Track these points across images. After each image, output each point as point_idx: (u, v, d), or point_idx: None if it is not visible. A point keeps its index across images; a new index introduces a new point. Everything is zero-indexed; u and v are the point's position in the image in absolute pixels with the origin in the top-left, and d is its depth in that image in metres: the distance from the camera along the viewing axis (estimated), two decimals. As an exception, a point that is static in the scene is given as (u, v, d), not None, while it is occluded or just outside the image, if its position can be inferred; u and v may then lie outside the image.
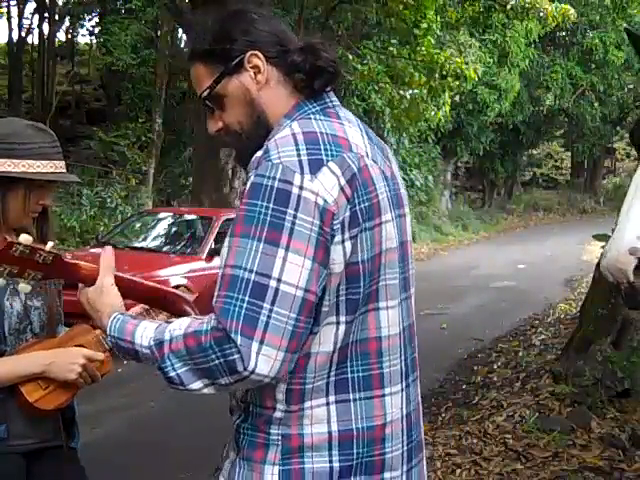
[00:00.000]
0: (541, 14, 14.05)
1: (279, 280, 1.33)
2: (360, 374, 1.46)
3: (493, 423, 4.70)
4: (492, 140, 24.72)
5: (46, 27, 20.90)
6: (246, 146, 1.53)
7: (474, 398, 5.59)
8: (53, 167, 1.98)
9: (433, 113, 15.06)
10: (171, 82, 19.04)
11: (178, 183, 16.88)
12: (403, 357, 1.53)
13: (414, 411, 1.58)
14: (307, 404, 1.44)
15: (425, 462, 1.65)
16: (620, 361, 4.80)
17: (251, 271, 1.33)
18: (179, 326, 1.39)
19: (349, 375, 1.45)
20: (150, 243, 9.82)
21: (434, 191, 22.95)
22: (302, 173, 1.36)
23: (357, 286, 1.43)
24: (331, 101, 1.54)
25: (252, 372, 1.32)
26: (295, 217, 1.34)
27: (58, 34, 22.81)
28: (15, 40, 20.80)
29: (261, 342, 1.32)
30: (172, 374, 1.38)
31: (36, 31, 23.65)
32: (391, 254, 1.48)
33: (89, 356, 1.99)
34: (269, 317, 1.32)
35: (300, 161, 1.38)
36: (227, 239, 1.42)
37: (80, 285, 1.62)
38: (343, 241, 1.39)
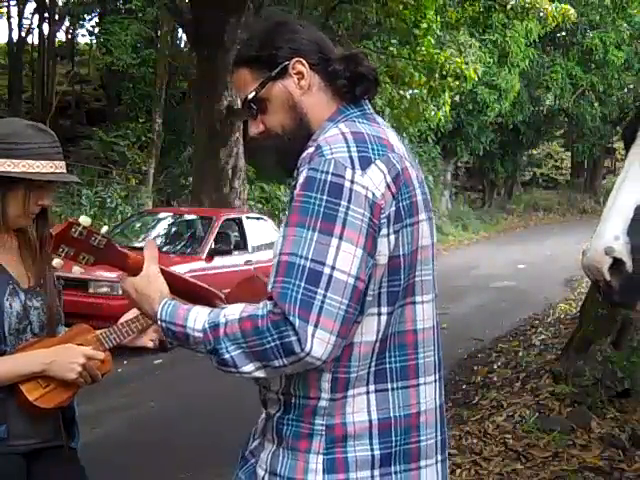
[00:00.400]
0: (541, 14, 14.05)
1: (333, 267, 1.41)
2: (398, 364, 1.55)
3: (493, 423, 4.70)
4: (492, 140, 24.72)
5: (46, 27, 20.91)
6: (287, 148, 1.62)
7: (474, 398, 5.59)
8: (53, 167, 1.97)
9: (433, 113, 15.07)
10: (171, 82, 19.05)
11: (178, 183, 16.86)
12: (436, 350, 1.64)
13: (444, 404, 1.68)
14: (350, 392, 1.51)
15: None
16: (620, 361, 4.80)
17: (307, 258, 1.41)
18: (234, 311, 1.46)
19: (387, 365, 1.54)
20: (150, 243, 9.80)
21: (434, 191, 22.94)
22: (353, 168, 1.45)
23: (398, 278, 1.52)
24: (368, 108, 1.65)
25: (308, 354, 1.39)
26: (348, 208, 1.43)
27: (58, 34, 22.82)
28: (15, 40, 20.78)
29: (316, 325, 1.39)
30: (226, 356, 1.44)
31: (36, 31, 23.67)
32: (426, 251, 1.58)
33: (89, 355, 1.99)
34: (323, 302, 1.40)
35: (351, 157, 1.47)
36: (282, 229, 1.49)
37: (120, 274, 1.67)
38: (388, 234, 1.48)
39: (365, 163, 1.47)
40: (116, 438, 5.14)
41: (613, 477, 3.91)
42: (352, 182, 1.44)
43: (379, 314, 1.51)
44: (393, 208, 1.48)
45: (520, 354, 6.82)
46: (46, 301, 2.07)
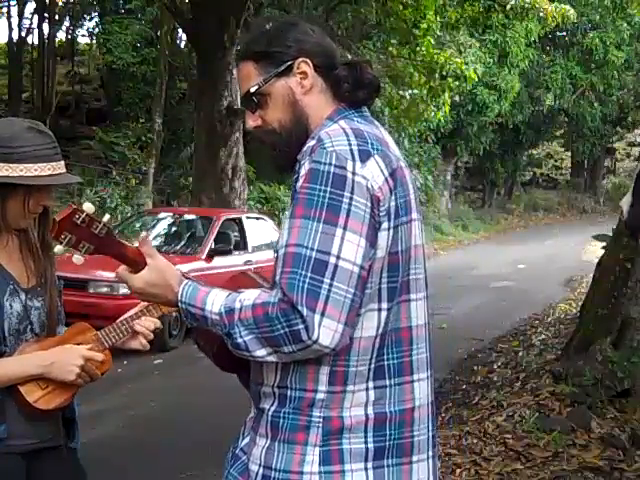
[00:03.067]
0: (541, 14, 14.04)
1: (338, 257, 1.45)
2: (395, 361, 1.58)
3: (493, 423, 4.70)
4: (492, 140, 24.72)
5: (46, 27, 20.91)
6: (281, 144, 1.67)
7: (474, 398, 5.59)
8: (51, 169, 1.96)
9: (433, 113, 15.06)
10: (171, 82, 19.04)
11: (178, 183, 16.87)
12: (428, 347, 1.66)
13: (435, 401, 1.70)
14: (349, 387, 1.54)
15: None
16: (620, 361, 4.79)
17: (312, 249, 1.45)
18: (249, 296, 1.51)
19: (385, 362, 1.57)
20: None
21: (434, 191, 22.96)
22: (354, 160, 1.50)
23: (396, 274, 1.56)
24: (366, 112, 1.69)
25: (315, 342, 1.43)
26: (351, 199, 1.47)
27: (58, 34, 22.82)
28: (15, 40, 20.78)
29: (322, 314, 1.43)
30: (239, 340, 1.49)
31: (36, 31, 23.61)
32: (419, 250, 1.63)
33: (88, 356, 1.98)
34: (329, 291, 1.44)
35: (351, 150, 1.51)
36: (287, 221, 1.52)
37: (122, 273, 1.66)
38: (388, 228, 1.52)
39: (365, 156, 1.51)
40: (116, 438, 5.15)
41: (613, 477, 3.90)
42: (354, 173, 1.48)
43: (379, 309, 1.54)
44: (393, 203, 1.52)
45: (520, 354, 6.82)
46: (47, 301, 2.07)
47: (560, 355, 5.76)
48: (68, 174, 2.07)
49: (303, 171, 1.51)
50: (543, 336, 7.76)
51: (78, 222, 1.61)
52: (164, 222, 10.42)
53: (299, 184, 1.51)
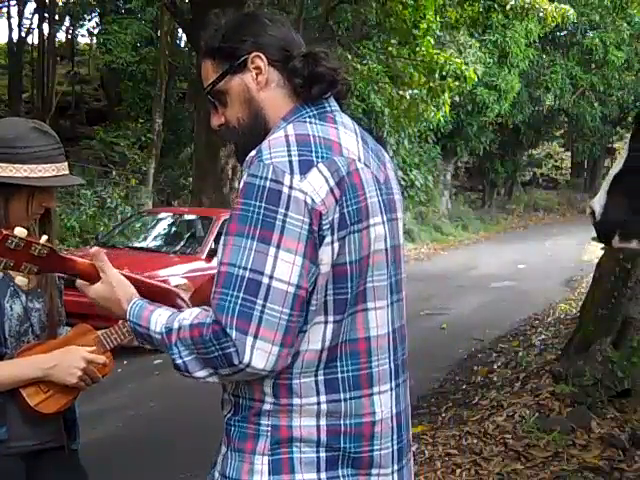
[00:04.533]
0: (541, 14, 14.04)
1: (271, 277, 1.39)
2: (350, 374, 1.50)
3: (493, 423, 4.70)
4: (492, 140, 24.71)
5: (46, 27, 20.88)
6: (243, 142, 1.60)
7: (474, 398, 5.59)
8: (55, 170, 1.96)
9: (432, 114, 15.06)
10: (171, 82, 19.04)
11: (178, 183, 16.87)
12: (392, 357, 1.57)
13: (404, 411, 1.61)
14: (296, 400, 1.48)
15: (412, 462, 1.68)
16: (620, 361, 4.80)
17: (245, 268, 1.39)
18: (188, 316, 1.46)
19: (339, 375, 1.49)
20: (150, 243, 9.82)
21: (434, 191, 22.95)
22: (292, 173, 1.42)
23: (345, 286, 1.47)
24: (330, 106, 1.60)
25: (247, 365, 1.38)
26: (286, 216, 1.40)
27: (58, 34, 22.81)
28: (15, 40, 20.76)
29: (255, 336, 1.38)
30: (179, 361, 1.45)
31: (36, 31, 23.60)
32: (379, 256, 1.52)
33: (90, 359, 1.98)
34: (262, 312, 1.38)
35: (290, 162, 1.43)
36: (222, 237, 1.47)
37: (80, 283, 1.65)
38: (332, 242, 1.44)
39: (305, 167, 1.43)
40: (116, 438, 5.15)
41: (613, 477, 3.90)
42: (290, 188, 1.41)
43: (326, 322, 1.47)
44: (337, 215, 1.43)
45: (520, 354, 6.81)
46: (47, 302, 2.06)
47: (560, 355, 5.76)
48: (72, 176, 2.07)
49: (240, 184, 1.46)
50: (543, 336, 7.76)
51: (12, 247, 1.58)
52: (164, 222, 10.42)
53: (235, 199, 1.46)
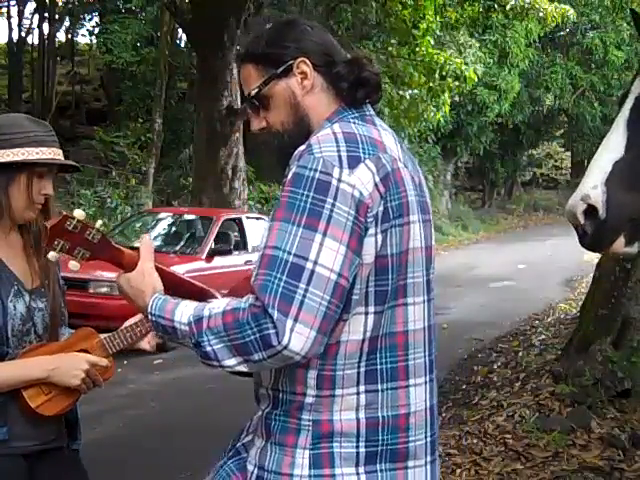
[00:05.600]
0: (541, 14, 14.04)
1: (315, 263, 1.42)
2: (388, 365, 1.55)
3: (493, 423, 4.70)
4: (492, 140, 24.72)
5: (46, 27, 20.92)
6: (286, 145, 1.63)
7: (474, 398, 5.59)
8: (52, 154, 2.00)
9: (432, 114, 15.06)
10: (171, 82, 19.04)
11: (178, 183, 16.86)
12: (427, 352, 1.63)
13: (435, 405, 1.66)
14: (338, 391, 1.52)
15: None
16: (620, 361, 4.79)
17: (289, 253, 1.43)
18: (218, 305, 1.48)
19: (378, 367, 1.54)
20: (150, 243, 9.81)
21: (434, 191, 22.94)
22: (341, 167, 1.47)
23: (385, 278, 1.52)
24: (369, 111, 1.66)
25: (285, 347, 1.40)
26: (333, 206, 1.44)
27: (58, 34, 22.82)
28: (15, 40, 20.78)
29: (295, 319, 1.40)
30: (208, 349, 1.46)
31: (36, 31, 23.63)
32: (417, 253, 1.58)
33: (93, 362, 1.99)
34: (304, 296, 1.41)
35: (340, 156, 1.48)
36: (268, 223, 1.51)
37: (117, 271, 1.67)
38: (375, 234, 1.48)
39: (354, 162, 1.48)
40: (116, 438, 5.14)
41: (613, 477, 3.90)
42: (339, 180, 1.46)
43: (366, 313, 1.51)
44: (381, 208, 1.49)
45: (520, 354, 6.81)
46: (50, 302, 2.07)
47: (560, 355, 5.76)
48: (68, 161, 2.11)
49: (289, 175, 1.49)
50: (543, 336, 7.75)
51: (70, 228, 1.60)
52: (164, 222, 10.42)
53: (283, 188, 1.50)
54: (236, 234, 9.74)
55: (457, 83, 14.43)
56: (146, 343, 2.09)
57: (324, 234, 1.43)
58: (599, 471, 3.94)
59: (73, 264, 1.65)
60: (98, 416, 5.36)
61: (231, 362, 1.46)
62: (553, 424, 4.49)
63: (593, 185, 1.87)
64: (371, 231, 1.48)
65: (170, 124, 18.08)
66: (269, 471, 1.53)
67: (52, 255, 1.62)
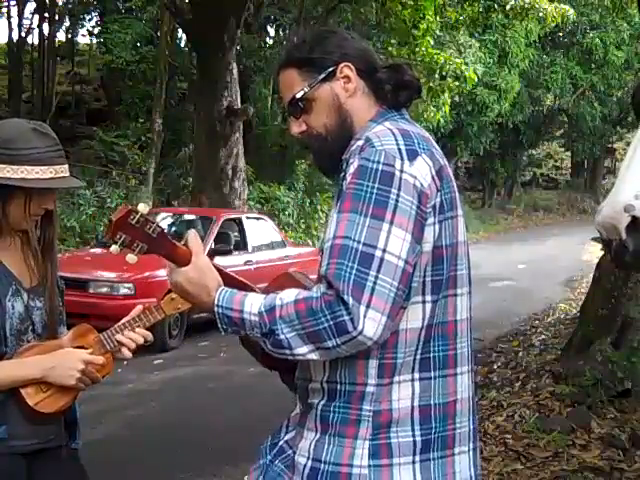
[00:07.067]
0: (541, 14, 14.04)
1: (384, 251, 1.48)
2: (440, 353, 1.61)
3: (493, 423, 4.70)
4: (492, 140, 24.71)
5: (46, 27, 20.88)
6: (328, 148, 1.70)
7: (474, 398, 5.59)
8: (53, 172, 1.95)
9: (432, 114, 15.06)
10: (171, 82, 19.03)
11: (178, 183, 16.85)
12: (469, 342, 1.69)
13: (475, 395, 1.71)
14: (396, 378, 1.57)
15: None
16: (620, 361, 4.80)
17: (359, 242, 1.48)
18: (289, 294, 1.52)
19: (431, 354, 1.60)
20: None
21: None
22: (402, 159, 1.54)
23: (441, 268, 1.58)
24: (406, 113, 1.73)
25: (360, 333, 1.44)
26: (398, 196, 1.50)
27: (58, 34, 22.78)
28: (15, 40, 20.76)
29: (368, 305, 1.45)
30: (281, 337, 1.50)
31: (36, 31, 23.59)
32: (463, 246, 1.66)
33: (88, 360, 1.98)
34: (375, 283, 1.46)
35: (399, 149, 1.55)
36: (335, 215, 1.55)
37: (169, 266, 1.67)
38: (434, 223, 1.56)
39: (412, 155, 1.55)
40: (116, 438, 5.14)
41: (613, 477, 3.90)
42: (401, 171, 1.52)
43: (424, 302, 1.57)
44: (438, 199, 1.56)
45: (520, 354, 6.82)
46: (47, 301, 2.06)
47: (560, 355, 5.76)
48: (71, 177, 2.05)
49: (352, 168, 1.54)
50: (543, 336, 7.76)
51: (133, 222, 1.61)
52: (164, 222, 10.40)
53: (347, 180, 1.54)
54: (236, 234, 9.74)
55: (457, 83, 14.43)
56: (120, 354, 2.08)
57: (391, 223, 1.48)
58: (599, 471, 3.94)
59: (130, 257, 1.65)
60: (98, 416, 5.36)
61: (303, 350, 1.50)
62: (553, 424, 4.49)
63: (635, 194, 1.61)
64: (430, 220, 1.54)
65: (170, 124, 18.06)
66: (327, 462, 1.57)
67: (114, 248, 1.62)
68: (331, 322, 1.45)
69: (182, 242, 1.67)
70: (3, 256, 2.01)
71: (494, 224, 26.10)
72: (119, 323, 2.07)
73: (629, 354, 4.86)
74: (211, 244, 8.96)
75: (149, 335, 2.07)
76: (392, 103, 1.69)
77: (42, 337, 2.04)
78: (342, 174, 1.61)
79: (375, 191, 1.50)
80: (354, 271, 1.46)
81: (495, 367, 6.65)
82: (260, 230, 10.27)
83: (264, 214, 12.53)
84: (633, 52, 24.18)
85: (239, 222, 9.97)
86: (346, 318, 1.44)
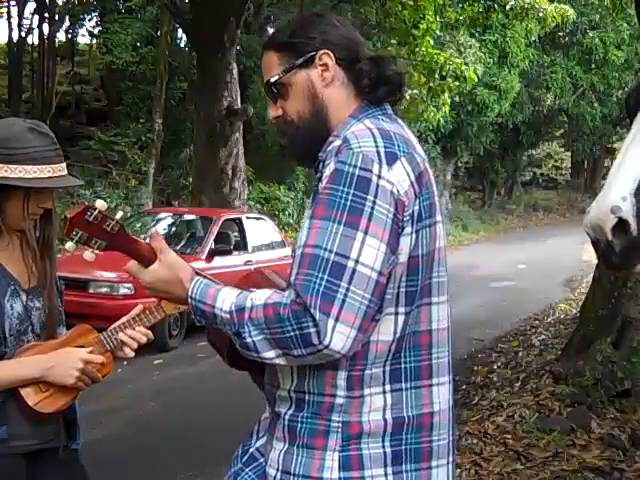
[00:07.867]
0: (540, 14, 14.04)
1: (357, 261, 1.41)
2: (412, 364, 1.55)
3: (493, 423, 4.70)
4: (492, 140, 24.71)
5: (46, 27, 20.89)
6: (299, 136, 1.63)
7: (474, 398, 5.59)
8: (51, 171, 1.95)
9: (432, 114, 15.06)
10: (171, 82, 19.03)
11: (178, 183, 16.86)
12: (450, 352, 1.62)
13: (455, 406, 1.67)
14: (367, 391, 1.51)
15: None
16: (620, 361, 4.79)
17: (331, 251, 1.41)
18: (260, 296, 1.47)
19: (402, 365, 1.54)
20: (150, 243, 9.81)
21: (434, 191, 22.91)
22: (380, 163, 1.46)
23: (416, 278, 1.52)
24: (388, 109, 1.65)
25: (326, 347, 1.40)
26: (374, 203, 1.43)
27: (58, 34, 22.78)
28: (15, 40, 20.76)
29: (337, 319, 1.39)
30: (248, 340, 1.46)
31: (36, 31, 23.60)
32: (441, 253, 1.59)
33: (88, 359, 1.98)
34: (345, 295, 1.40)
35: (378, 152, 1.47)
36: (307, 221, 1.49)
37: (134, 266, 1.65)
38: (411, 233, 1.49)
39: (391, 159, 1.47)
40: (116, 438, 5.14)
41: (613, 477, 3.90)
42: (379, 177, 1.44)
43: (396, 314, 1.51)
44: (416, 207, 1.49)
45: (520, 354, 6.81)
46: (45, 301, 2.06)
47: (560, 355, 5.75)
48: (69, 176, 2.04)
49: (328, 171, 1.48)
50: (543, 336, 7.75)
51: (90, 219, 1.60)
52: (164, 222, 10.41)
53: (322, 184, 1.48)
54: (236, 234, 9.74)
55: (457, 83, 14.41)
56: (122, 352, 2.07)
57: (365, 232, 1.42)
58: (599, 471, 3.94)
59: (88, 254, 1.65)
60: (98, 416, 5.36)
61: (270, 354, 1.46)
62: (553, 424, 4.49)
63: (622, 196, 1.61)
64: (407, 230, 1.47)
65: (170, 124, 18.07)
66: (296, 475, 1.52)
67: (69, 245, 1.62)
68: (297, 332, 1.40)
69: (146, 241, 1.65)
70: (1, 256, 2.01)
71: (494, 224, 26.10)
72: (119, 322, 2.07)
73: (629, 354, 4.86)
74: (211, 244, 8.96)
75: (150, 334, 2.06)
76: (370, 98, 1.61)
77: (41, 337, 2.03)
78: (319, 175, 1.54)
79: (350, 197, 1.42)
80: (324, 282, 1.40)
81: (495, 367, 6.65)
82: (260, 230, 10.27)
83: (264, 214, 12.54)
84: (633, 52, 24.17)
85: (239, 222, 9.97)
86: (312, 330, 1.39)
